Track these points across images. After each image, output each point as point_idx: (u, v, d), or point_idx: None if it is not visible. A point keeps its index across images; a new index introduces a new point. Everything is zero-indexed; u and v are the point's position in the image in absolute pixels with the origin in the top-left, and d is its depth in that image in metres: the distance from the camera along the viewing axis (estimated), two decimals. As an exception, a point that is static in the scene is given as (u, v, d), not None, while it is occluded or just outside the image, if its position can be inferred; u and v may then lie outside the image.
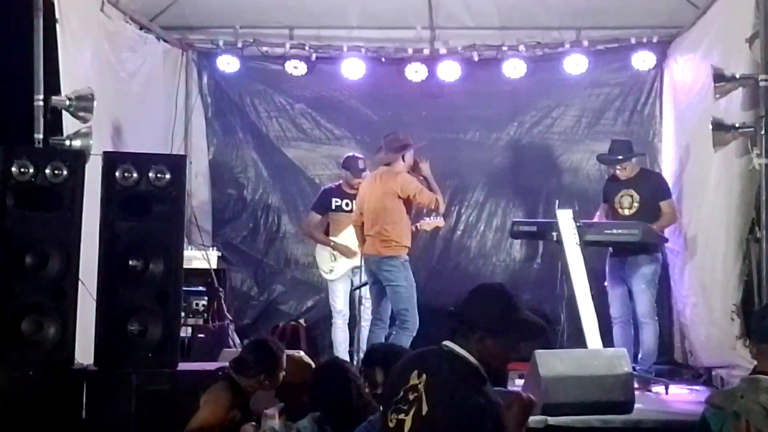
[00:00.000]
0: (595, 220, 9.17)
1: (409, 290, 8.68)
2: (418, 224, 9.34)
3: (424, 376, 4.00)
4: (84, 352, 6.73)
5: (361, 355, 9.18)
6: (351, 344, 9.59)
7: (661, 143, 10.59)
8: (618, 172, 9.18)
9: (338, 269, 9.62)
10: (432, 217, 9.49)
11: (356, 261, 9.38)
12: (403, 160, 8.88)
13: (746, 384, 4.33)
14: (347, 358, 9.21)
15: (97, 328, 6.61)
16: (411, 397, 3.99)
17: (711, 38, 8.86)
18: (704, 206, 8.89)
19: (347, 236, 9.46)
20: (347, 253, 9.48)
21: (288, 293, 11.04)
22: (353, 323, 9.68)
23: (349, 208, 9.53)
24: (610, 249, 9.08)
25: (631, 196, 9.09)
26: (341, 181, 9.85)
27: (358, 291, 9.49)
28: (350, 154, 9.97)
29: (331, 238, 9.73)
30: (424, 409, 3.93)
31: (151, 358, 6.60)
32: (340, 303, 9.65)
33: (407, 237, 8.82)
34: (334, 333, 9.70)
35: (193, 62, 11.09)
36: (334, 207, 9.79)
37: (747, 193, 8.00)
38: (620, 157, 9.14)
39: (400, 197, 8.71)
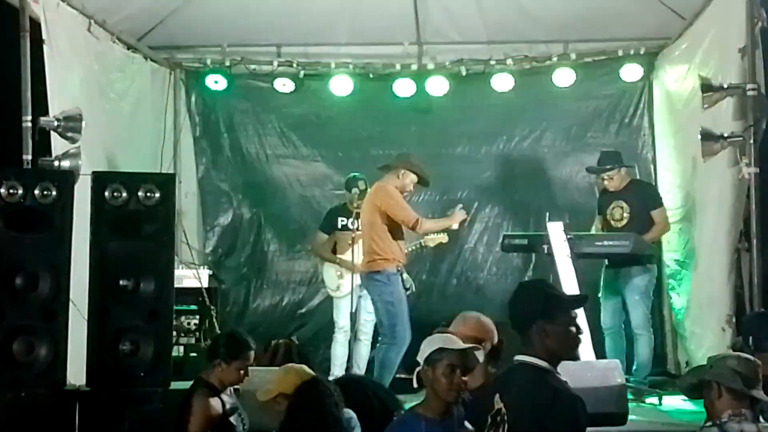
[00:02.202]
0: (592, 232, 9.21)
1: (397, 305, 8.54)
2: (422, 240, 9.34)
3: (504, 396, 4.29)
4: (76, 373, 6.69)
5: (357, 369, 9.23)
6: (348, 359, 9.57)
7: (651, 154, 10.62)
8: (606, 182, 9.21)
9: (344, 287, 9.62)
10: (435, 233, 9.47)
11: None
12: (399, 178, 8.85)
13: (714, 359, 4.62)
14: (343, 372, 9.24)
15: (89, 349, 6.58)
16: (498, 419, 4.27)
17: (705, 49, 8.87)
18: (705, 217, 8.92)
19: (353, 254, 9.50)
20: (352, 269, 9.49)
21: (279, 311, 11.04)
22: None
23: (354, 227, 9.53)
24: (606, 260, 9.09)
25: (622, 208, 9.11)
26: (346, 201, 9.86)
27: (356, 308, 9.50)
28: (351, 174, 9.97)
29: (338, 255, 9.77)
30: (506, 427, 4.22)
31: (144, 377, 6.57)
32: (343, 319, 9.64)
33: (393, 251, 8.67)
34: (333, 348, 9.69)
35: (181, 81, 11.09)
36: (340, 226, 9.85)
37: (738, 202, 8.03)
38: (608, 167, 9.16)
39: (379, 210, 8.66)
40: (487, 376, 5.37)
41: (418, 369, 4.72)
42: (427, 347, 4.70)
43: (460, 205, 9.14)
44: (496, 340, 5.56)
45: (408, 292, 8.81)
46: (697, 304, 9.17)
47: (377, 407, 5.68)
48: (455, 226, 9.11)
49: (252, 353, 6.19)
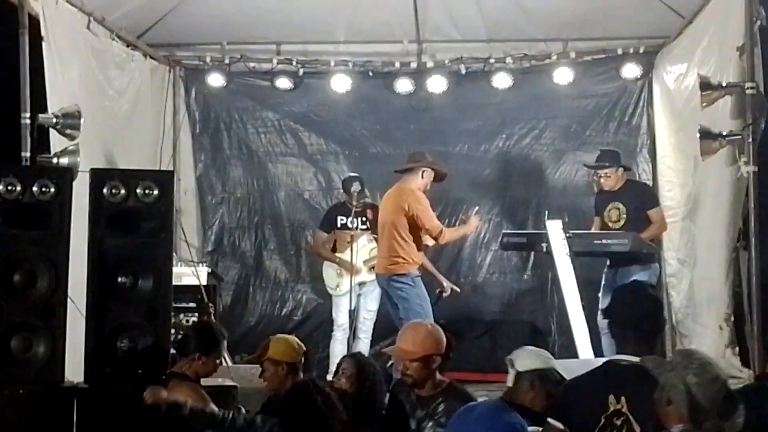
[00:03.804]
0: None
1: (424, 307, 8.48)
2: None
3: (623, 398, 4.22)
4: (74, 370, 6.67)
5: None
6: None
7: (651, 152, 10.60)
8: (602, 180, 9.20)
9: (344, 285, 9.64)
10: None
11: (362, 277, 9.55)
12: (422, 178, 8.81)
13: (680, 357, 4.11)
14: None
15: (87, 346, 6.55)
16: (618, 422, 4.20)
17: (704, 48, 8.87)
18: (704, 215, 8.93)
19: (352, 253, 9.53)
20: (351, 269, 9.52)
21: (277, 308, 11.07)
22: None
23: (354, 225, 9.60)
24: (608, 260, 9.07)
25: (618, 209, 9.10)
26: (345, 199, 9.87)
27: (355, 306, 9.56)
28: (347, 174, 9.97)
29: (337, 254, 9.79)
30: (637, 429, 4.15)
31: (142, 374, 6.55)
32: (342, 317, 9.69)
33: (417, 255, 8.71)
34: (332, 345, 9.75)
35: (181, 79, 11.10)
36: (339, 225, 9.89)
37: (736, 201, 8.03)
38: (605, 165, 9.16)
39: (407, 214, 8.61)
40: (436, 386, 5.60)
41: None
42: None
43: (477, 208, 9.13)
44: (444, 349, 5.67)
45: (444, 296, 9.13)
46: (696, 302, 9.17)
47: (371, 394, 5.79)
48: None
49: (225, 343, 6.28)
